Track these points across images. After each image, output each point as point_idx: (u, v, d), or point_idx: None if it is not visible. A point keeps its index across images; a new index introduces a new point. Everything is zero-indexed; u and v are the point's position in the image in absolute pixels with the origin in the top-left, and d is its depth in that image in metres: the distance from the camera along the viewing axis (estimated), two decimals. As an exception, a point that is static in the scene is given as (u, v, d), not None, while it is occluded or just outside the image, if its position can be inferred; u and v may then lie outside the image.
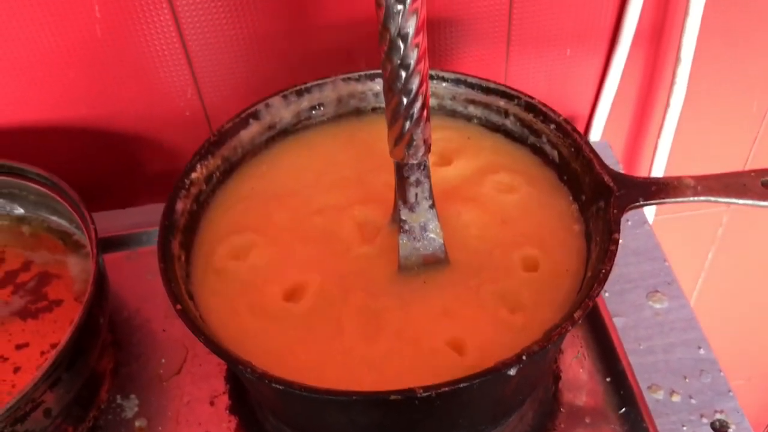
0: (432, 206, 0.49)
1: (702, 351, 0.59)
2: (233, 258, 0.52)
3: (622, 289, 0.63)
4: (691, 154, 0.85)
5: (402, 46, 0.39)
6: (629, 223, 0.69)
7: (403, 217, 0.49)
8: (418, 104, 0.42)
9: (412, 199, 0.48)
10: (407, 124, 0.43)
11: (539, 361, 0.46)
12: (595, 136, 0.79)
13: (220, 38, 0.67)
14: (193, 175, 0.54)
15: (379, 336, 0.48)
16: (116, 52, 0.66)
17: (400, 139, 0.44)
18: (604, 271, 0.44)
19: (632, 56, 0.74)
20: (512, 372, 0.41)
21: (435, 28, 0.70)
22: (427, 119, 0.44)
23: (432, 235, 0.50)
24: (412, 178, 0.47)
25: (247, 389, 0.58)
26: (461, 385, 0.40)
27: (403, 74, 0.40)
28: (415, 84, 0.41)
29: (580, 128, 0.81)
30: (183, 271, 0.50)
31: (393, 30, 0.38)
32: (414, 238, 0.50)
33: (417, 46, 0.40)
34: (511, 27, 0.71)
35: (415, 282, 0.50)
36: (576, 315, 0.42)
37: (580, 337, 0.60)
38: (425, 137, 0.45)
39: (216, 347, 0.43)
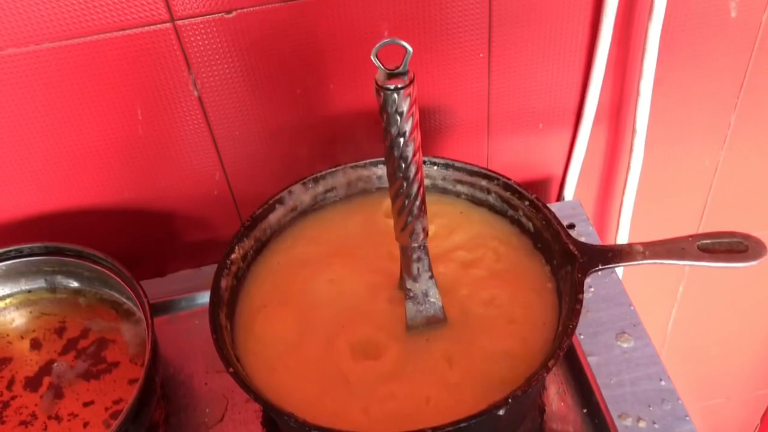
0: (431, 277, 0.60)
1: (663, 383, 0.70)
2: (267, 325, 0.64)
3: (594, 331, 0.74)
4: (652, 208, 0.97)
5: (403, 164, 0.51)
6: (599, 273, 0.80)
7: (408, 287, 0.60)
8: (417, 203, 0.54)
9: (415, 272, 0.60)
10: (409, 219, 0.55)
11: (523, 401, 0.57)
12: (568, 195, 0.91)
13: (243, 131, 0.79)
14: (233, 256, 0.65)
15: (391, 383, 0.59)
16: (155, 146, 0.78)
17: (404, 229, 0.56)
18: (571, 326, 0.55)
19: (596, 128, 0.86)
20: (500, 413, 0.52)
21: (425, 114, 0.82)
22: (425, 213, 0.56)
23: (432, 300, 0.61)
24: (415, 256, 0.59)
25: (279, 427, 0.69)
26: (462, 425, 0.50)
27: (405, 184, 0.52)
28: (414, 189, 0.53)
29: (555, 188, 0.93)
30: (229, 338, 0.61)
31: (396, 154, 0.50)
32: (418, 303, 0.61)
33: (415, 163, 0.51)
34: (490, 107, 0.83)
35: (419, 340, 0.61)
36: (550, 364, 0.53)
37: (561, 375, 0.71)
38: (424, 226, 0.56)
39: (265, 402, 0.54)
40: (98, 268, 0.75)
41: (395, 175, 0.52)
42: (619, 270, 0.95)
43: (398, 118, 0.50)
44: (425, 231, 0.57)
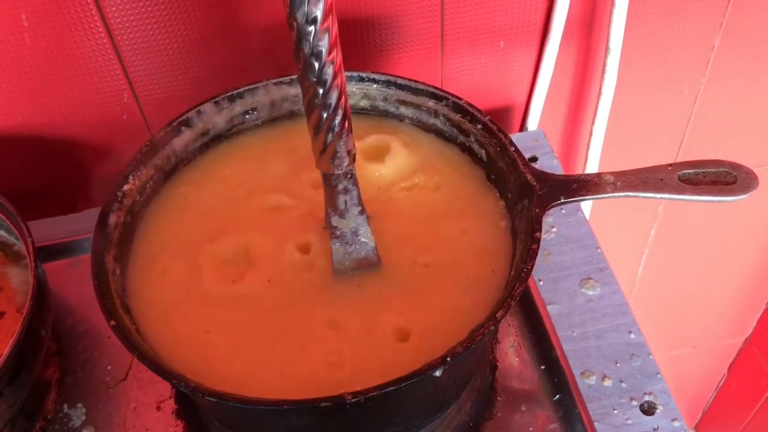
0: (362, 212, 0.50)
1: (632, 336, 0.61)
2: (168, 271, 0.53)
3: (556, 276, 0.65)
4: (625, 140, 0.87)
5: (317, 64, 0.40)
6: (563, 211, 0.70)
7: (334, 224, 0.50)
8: (338, 118, 0.43)
9: (341, 206, 0.49)
10: (329, 137, 0.44)
11: (467, 358, 0.48)
12: (532, 125, 0.81)
13: (153, 42, 0.67)
14: (126, 187, 0.54)
15: (318, 337, 0.49)
16: (47, 60, 0.66)
17: (324, 152, 0.45)
18: (525, 270, 0.46)
19: (564, 47, 0.75)
20: (438, 373, 0.42)
21: (368, 28, 0.70)
22: (350, 131, 0.45)
23: (363, 239, 0.51)
24: (340, 187, 0.48)
25: (192, 394, 0.59)
26: (389, 389, 0.41)
27: (321, 90, 0.41)
28: (333, 98, 0.42)
29: (517, 118, 0.82)
30: (118, 284, 0.51)
31: (306, 50, 0.39)
32: (346, 243, 0.51)
33: (332, 62, 0.40)
34: (444, 22, 0.72)
35: (349, 285, 0.51)
36: (498, 314, 0.44)
37: (516, 326, 0.62)
38: (349, 148, 0.46)
39: (151, 363, 0.44)
40: (-21, 201, 0.64)
41: (307, 78, 0.41)
42: (586, 208, 0.85)
43: (310, 30, 0.39)
44: (351, 155, 0.46)
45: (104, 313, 0.46)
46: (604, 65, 0.75)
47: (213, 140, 0.60)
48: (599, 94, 0.77)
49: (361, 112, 0.61)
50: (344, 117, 0.44)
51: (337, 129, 0.44)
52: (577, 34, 0.75)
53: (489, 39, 0.74)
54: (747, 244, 1.17)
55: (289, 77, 0.60)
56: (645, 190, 0.50)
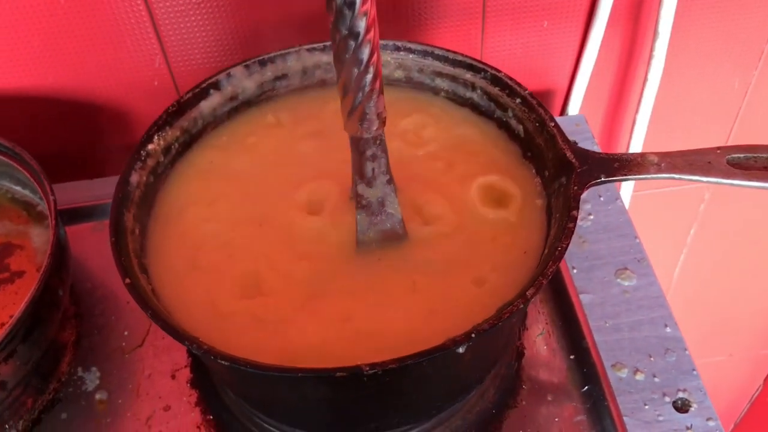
0: (390, 181, 0.48)
1: (668, 329, 0.58)
2: (188, 235, 0.52)
3: (590, 265, 0.63)
4: (669, 130, 0.83)
5: (349, 14, 0.38)
6: (601, 198, 0.68)
7: (360, 192, 0.48)
8: (369, 76, 0.41)
9: (368, 173, 0.47)
10: (359, 97, 0.42)
11: (493, 338, 0.46)
12: (573, 110, 0.78)
13: (188, 5, 0.66)
14: (150, 147, 0.52)
15: (338, 312, 0.47)
16: (81, 20, 0.65)
17: (353, 113, 0.43)
18: (560, 248, 0.43)
19: (610, 30, 0.72)
20: (461, 350, 0.40)
21: (404, 0, 0.68)
22: (381, 92, 0.43)
23: (390, 211, 0.49)
24: (368, 153, 0.46)
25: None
26: (408, 363, 0.39)
27: (352, 44, 0.39)
28: (365, 54, 0.40)
29: (558, 102, 0.79)
30: (137, 244, 0.49)
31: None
32: (372, 214, 0.49)
33: (365, 14, 0.38)
34: (487, -3, 0.69)
35: (371, 259, 0.49)
36: (529, 293, 0.42)
37: (546, 313, 0.60)
38: (379, 111, 0.43)
39: (164, 323, 0.42)
40: (6, 160, 0.63)
41: (338, 30, 0.39)
42: (626, 198, 0.82)
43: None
44: (381, 118, 0.44)
45: (120, 271, 0.45)
46: (652, 50, 0.71)
47: (242, 105, 0.59)
48: (645, 80, 0.74)
49: (394, 83, 0.59)
50: (375, 76, 0.42)
51: (367, 88, 0.42)
52: (624, 18, 0.72)
53: (533, 18, 0.71)
54: (791, 251, 1.12)
55: (322, 44, 0.58)
56: (691, 172, 0.47)
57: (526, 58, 0.74)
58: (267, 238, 0.51)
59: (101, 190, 0.72)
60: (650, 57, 0.72)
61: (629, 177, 0.48)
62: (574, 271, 0.62)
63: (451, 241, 0.50)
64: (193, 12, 0.66)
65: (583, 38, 0.73)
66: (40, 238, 0.64)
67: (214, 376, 0.56)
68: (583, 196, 0.60)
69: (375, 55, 0.41)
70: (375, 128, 0.44)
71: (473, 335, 0.40)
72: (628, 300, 0.60)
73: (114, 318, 0.62)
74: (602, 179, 0.47)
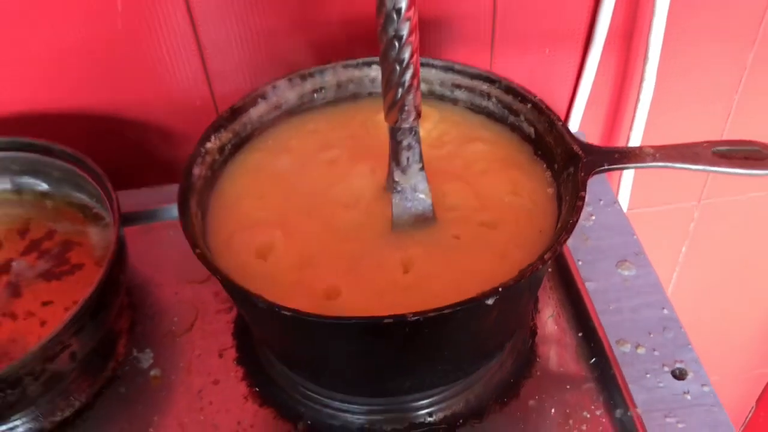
0: (422, 169, 0.55)
1: (665, 311, 0.65)
2: (244, 221, 0.59)
3: (594, 258, 0.70)
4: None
5: (396, 18, 0.46)
6: (602, 202, 0.75)
7: (396, 179, 0.56)
8: (409, 73, 0.49)
9: (404, 162, 0.55)
10: (400, 91, 0.50)
11: (515, 297, 0.52)
12: (573, 127, 0.86)
13: (230, 35, 0.74)
14: (208, 145, 0.60)
15: (378, 283, 0.54)
16: (135, 43, 0.73)
17: (394, 105, 0.51)
18: (571, 221, 0.51)
19: (606, 54, 0.81)
20: (490, 302, 0.47)
21: (423, 29, 0.76)
22: (418, 87, 0.51)
23: (422, 196, 0.56)
24: (405, 142, 0.54)
25: (254, 338, 0.64)
26: (446, 312, 0.46)
27: (397, 44, 0.47)
28: (407, 54, 0.48)
29: (559, 121, 0.88)
30: (199, 228, 0.56)
31: (389, 5, 0.45)
32: (405, 198, 0.56)
33: (409, 19, 0.46)
34: (495, 27, 0.78)
35: (405, 238, 0.56)
36: (546, 256, 0.49)
37: (555, 299, 0.67)
38: (416, 104, 0.51)
39: (229, 282, 0.49)
40: (68, 166, 0.70)
41: (386, 32, 0.47)
42: (624, 203, 0.90)
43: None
44: (417, 110, 0.52)
45: (189, 242, 0.51)
46: (643, 72, 0.80)
47: (284, 114, 0.66)
48: (637, 100, 0.83)
49: (418, 96, 0.67)
50: (414, 74, 0.49)
51: (407, 83, 0.49)
52: (619, 42, 0.81)
53: (536, 45, 0.80)
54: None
55: (355, 61, 0.67)
56: (682, 161, 0.55)
57: (530, 80, 0.83)
58: (314, 226, 0.58)
59: (145, 198, 0.79)
60: (642, 79, 0.81)
61: (629, 165, 0.56)
62: (580, 263, 0.69)
63: (475, 223, 0.57)
64: (234, 41, 0.74)
65: (582, 63, 0.82)
66: (96, 236, 0.71)
67: (260, 346, 0.63)
68: (586, 200, 0.68)
69: (415, 56, 0.48)
70: (412, 119, 0.52)
71: (500, 289, 0.47)
72: (628, 287, 0.67)
73: (164, 308, 0.69)
74: (605, 167, 0.55)
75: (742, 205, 1.05)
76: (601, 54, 0.80)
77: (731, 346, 1.33)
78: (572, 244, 0.71)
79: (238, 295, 0.49)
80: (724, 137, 0.94)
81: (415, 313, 0.45)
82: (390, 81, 0.49)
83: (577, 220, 0.51)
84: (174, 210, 0.75)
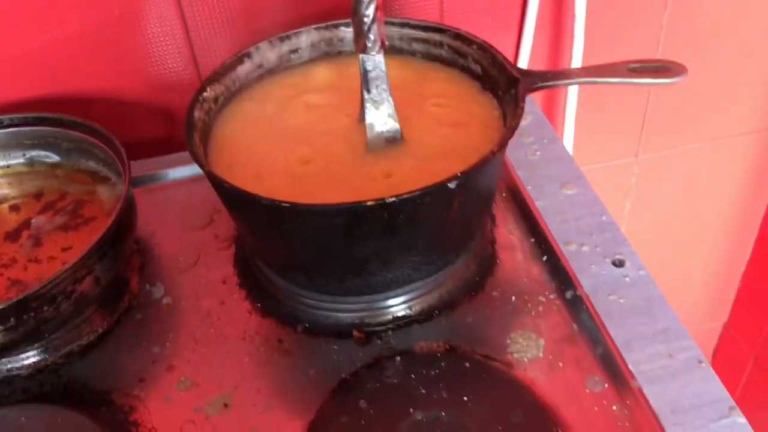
0: (390, 95, 0.66)
1: (604, 218, 0.76)
2: (238, 155, 0.69)
3: (541, 183, 0.81)
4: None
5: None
6: (545, 140, 0.87)
7: (367, 105, 0.66)
8: (373, 6, 0.60)
9: (373, 89, 0.66)
10: (366, 21, 0.61)
11: (473, 185, 0.62)
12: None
13: (216, 17, 0.85)
14: (204, 94, 0.70)
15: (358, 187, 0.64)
16: (128, 27, 0.83)
17: (362, 34, 0.62)
18: (514, 123, 0.62)
19: (540, 16, 0.93)
20: (453, 185, 0.57)
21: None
22: (381, 21, 0.62)
23: (391, 120, 0.67)
24: (373, 73, 0.65)
25: (251, 261, 0.73)
26: (416, 193, 0.56)
27: (362, -19, 0.58)
28: (370, -11, 0.59)
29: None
30: (203, 158, 0.66)
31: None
32: (377, 122, 0.67)
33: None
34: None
35: (379, 154, 0.67)
36: (494, 149, 0.59)
37: (510, 215, 0.77)
38: (380, 34, 0.62)
39: (238, 189, 0.58)
40: (77, 134, 0.79)
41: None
42: (569, 147, 1.01)
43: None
44: (382, 40, 0.63)
45: (198, 163, 0.61)
46: (573, 30, 0.93)
47: (266, 73, 0.77)
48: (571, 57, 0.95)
49: (381, 51, 0.78)
50: (377, 7, 0.61)
51: (372, 15, 0.61)
52: (551, 8, 0.94)
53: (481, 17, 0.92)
54: (714, 222, 1.32)
55: (325, 24, 0.78)
56: (602, 76, 0.67)
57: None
58: (300, 153, 0.68)
59: (146, 165, 0.88)
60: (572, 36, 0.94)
61: (559, 82, 0.67)
62: (529, 187, 0.80)
63: (438, 139, 0.68)
64: (219, 27, 0.85)
65: (521, 25, 0.94)
66: (105, 193, 0.79)
67: (258, 268, 0.72)
68: (530, 139, 0.79)
69: (376, -8, 0.60)
70: (378, 47, 0.63)
71: (459, 174, 0.57)
72: (572, 203, 0.78)
73: (169, 251, 0.78)
74: (540, 84, 0.66)
75: (676, 159, 1.17)
76: (536, 15, 0.93)
77: (681, 302, 1.45)
78: (522, 175, 0.82)
79: (242, 201, 0.59)
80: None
81: (393, 196, 0.55)
82: (358, 12, 0.60)
83: (518, 123, 0.62)
84: (172, 173, 0.86)
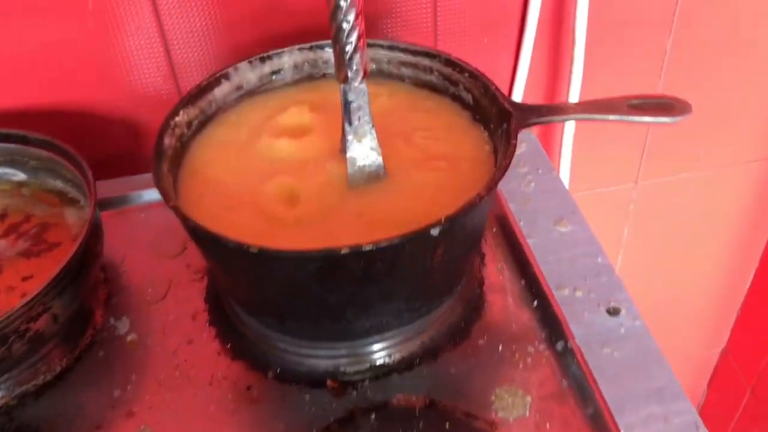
0: (372, 127, 0.62)
1: (600, 259, 0.72)
2: (211, 184, 0.64)
3: (534, 218, 0.76)
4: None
5: (340, -8, 0.53)
6: (540, 171, 0.82)
7: (349, 137, 0.62)
8: (355, 34, 0.55)
9: (355, 121, 0.61)
10: (348, 49, 0.56)
11: (458, 231, 0.57)
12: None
13: (195, 30, 0.80)
14: (177, 119, 0.65)
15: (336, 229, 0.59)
16: (104, 40, 0.78)
17: (343, 64, 0.57)
18: (505, 162, 0.57)
19: (539, 37, 0.89)
20: (435, 232, 0.53)
21: (372, 23, 0.83)
22: (364, 48, 0.57)
23: (373, 153, 0.62)
24: (355, 103, 0.60)
25: (223, 300, 0.69)
26: (396, 241, 0.51)
27: (343, 5, 0.54)
28: (351, 16, 0.54)
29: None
30: (171, 190, 0.61)
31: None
32: (358, 156, 0.62)
33: (353, -13, 0.53)
34: (437, 20, 0.85)
35: (360, 190, 0.62)
36: (482, 192, 0.55)
37: (501, 254, 0.73)
38: (364, 63, 0.58)
39: (205, 231, 0.54)
40: (43, 153, 0.75)
41: (335, 18, 0.53)
42: (565, 179, 0.97)
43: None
44: (365, 69, 0.58)
45: (163, 196, 0.57)
46: (573, 54, 0.88)
47: (246, 94, 0.72)
48: (569, 83, 0.91)
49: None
50: (360, 35, 0.56)
51: (354, 43, 0.56)
52: (550, 28, 0.89)
53: (476, 35, 0.88)
54: (715, 250, 1.28)
55: (309, 44, 0.73)
56: (600, 113, 0.62)
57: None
58: (275, 186, 0.64)
59: (117, 186, 0.84)
60: (572, 62, 0.89)
61: (554, 118, 0.63)
62: (521, 222, 0.76)
63: (424, 176, 0.63)
64: (200, 38, 0.80)
65: (518, 47, 0.90)
66: (72, 217, 0.75)
67: (230, 306, 0.67)
68: (525, 169, 0.75)
69: (360, 18, 0.55)
70: (360, 77, 0.58)
71: (443, 219, 0.53)
72: (566, 241, 0.74)
73: (138, 281, 0.73)
74: (534, 119, 0.62)
75: (676, 186, 1.13)
76: (534, 36, 0.88)
77: (679, 328, 1.41)
78: (514, 208, 0.77)
79: (207, 240, 0.55)
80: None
81: (370, 243, 0.51)
82: (339, 40, 0.56)
83: (509, 162, 0.57)
84: (146, 195, 0.81)
